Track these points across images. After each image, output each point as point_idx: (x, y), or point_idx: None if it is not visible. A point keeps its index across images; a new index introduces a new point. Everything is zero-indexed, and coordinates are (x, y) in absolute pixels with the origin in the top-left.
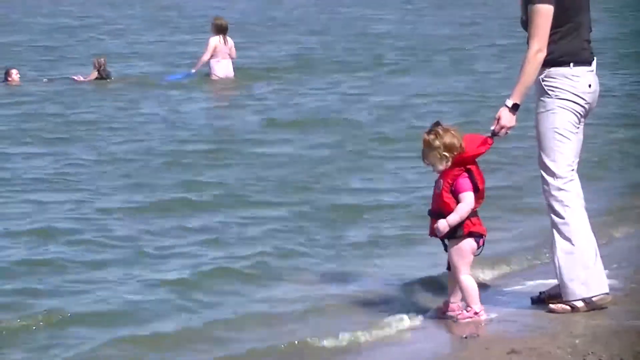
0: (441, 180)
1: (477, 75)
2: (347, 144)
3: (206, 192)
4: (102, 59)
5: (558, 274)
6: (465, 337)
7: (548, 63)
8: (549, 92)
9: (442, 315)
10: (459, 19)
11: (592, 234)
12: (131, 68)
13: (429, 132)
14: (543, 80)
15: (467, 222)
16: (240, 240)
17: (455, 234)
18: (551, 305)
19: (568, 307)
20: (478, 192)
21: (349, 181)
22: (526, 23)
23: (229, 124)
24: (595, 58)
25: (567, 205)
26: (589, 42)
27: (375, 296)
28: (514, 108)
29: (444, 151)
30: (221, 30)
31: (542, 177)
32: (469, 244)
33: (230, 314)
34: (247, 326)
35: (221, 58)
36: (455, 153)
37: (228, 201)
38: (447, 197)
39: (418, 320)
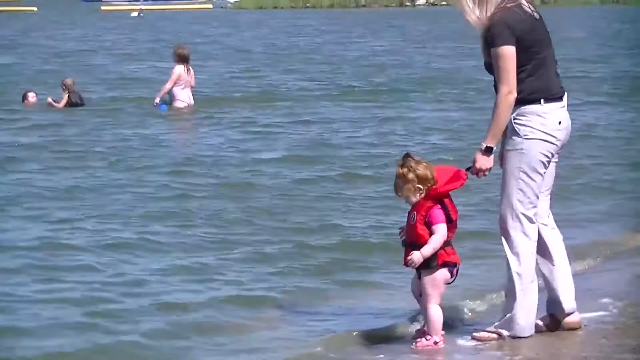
0: (415, 212)
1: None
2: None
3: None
4: (69, 80)
5: (506, 300)
6: None
7: (519, 102)
8: (519, 132)
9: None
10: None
11: (534, 276)
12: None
13: (402, 165)
14: (514, 119)
15: (441, 252)
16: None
17: (429, 264)
18: (475, 334)
19: (495, 336)
20: (451, 223)
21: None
22: (490, 65)
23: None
24: (566, 92)
25: (517, 243)
26: (557, 75)
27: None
28: (488, 151)
29: (418, 183)
30: (184, 59)
31: (501, 211)
32: (442, 274)
33: None
34: None
35: (184, 86)
36: (429, 185)
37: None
38: (422, 229)
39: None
